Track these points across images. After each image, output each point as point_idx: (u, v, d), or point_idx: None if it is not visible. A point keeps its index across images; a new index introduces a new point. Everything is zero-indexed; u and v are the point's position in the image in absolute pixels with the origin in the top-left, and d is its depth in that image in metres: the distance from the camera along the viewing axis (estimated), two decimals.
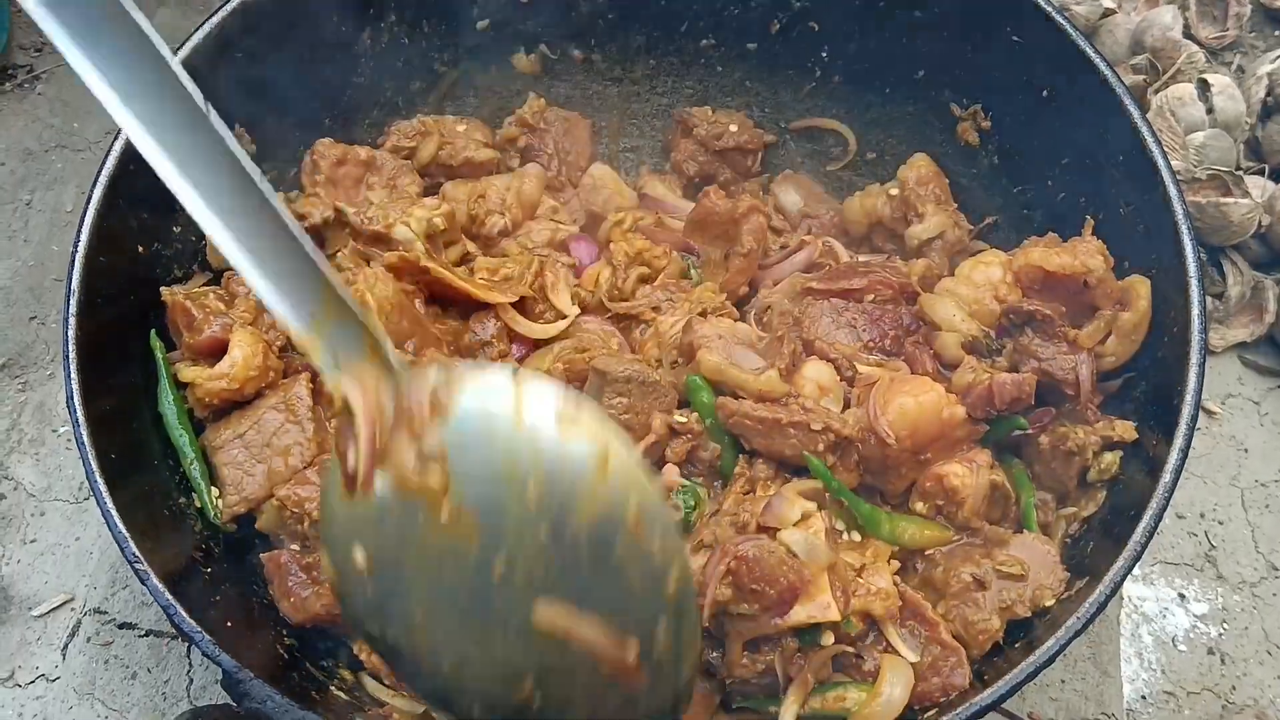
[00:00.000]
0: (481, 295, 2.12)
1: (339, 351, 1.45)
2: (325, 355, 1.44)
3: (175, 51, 2.08)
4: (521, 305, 2.16)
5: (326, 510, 1.54)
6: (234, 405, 2.06)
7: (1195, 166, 2.59)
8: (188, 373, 2.04)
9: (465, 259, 2.27)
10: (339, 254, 2.20)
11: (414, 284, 2.12)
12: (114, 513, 1.79)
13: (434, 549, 1.46)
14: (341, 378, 1.45)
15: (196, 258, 2.21)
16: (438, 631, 1.51)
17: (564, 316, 2.17)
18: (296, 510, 1.92)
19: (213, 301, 2.10)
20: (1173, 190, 1.97)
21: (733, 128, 2.53)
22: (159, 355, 2.08)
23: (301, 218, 2.21)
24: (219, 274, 2.22)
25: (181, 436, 2.05)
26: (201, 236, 2.22)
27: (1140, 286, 2.02)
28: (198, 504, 2.02)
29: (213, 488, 2.03)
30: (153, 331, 2.10)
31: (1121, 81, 2.07)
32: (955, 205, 2.39)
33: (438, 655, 1.53)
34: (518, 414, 1.45)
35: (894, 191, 2.40)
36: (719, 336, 2.05)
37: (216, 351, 2.05)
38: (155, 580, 1.75)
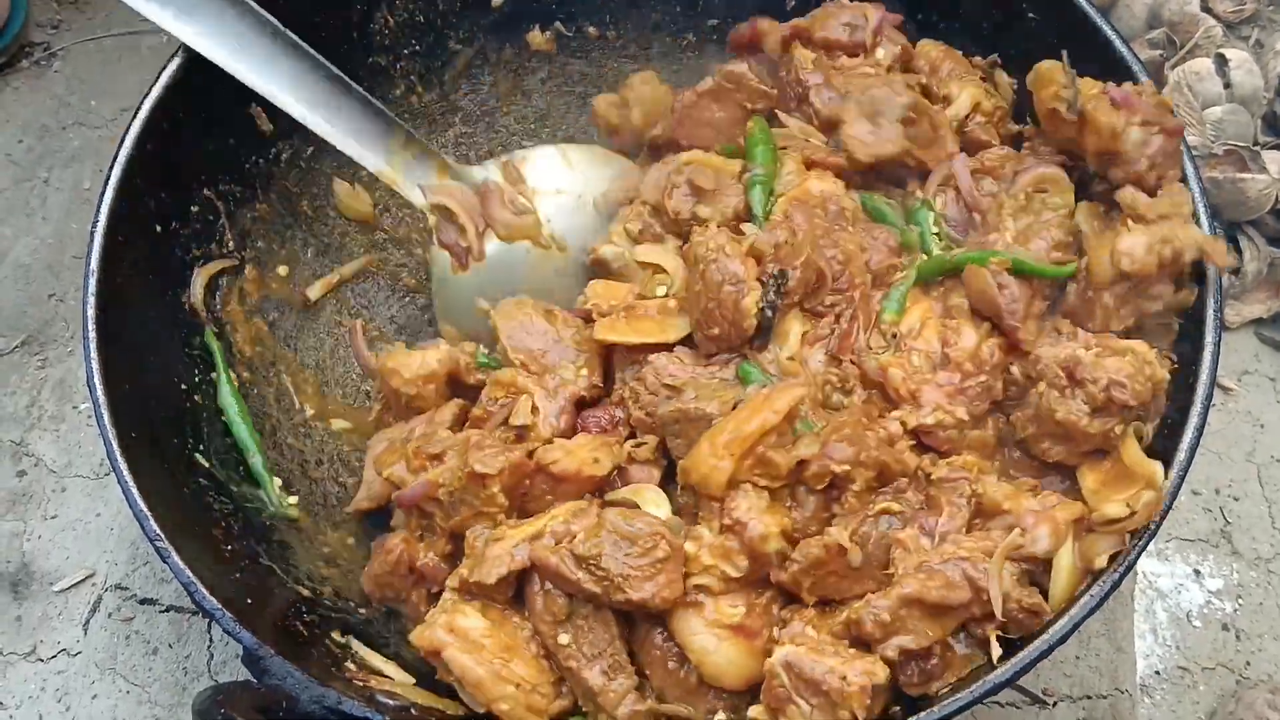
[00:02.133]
0: (662, 339, 2.07)
1: (419, 179, 2.25)
2: (408, 184, 2.24)
3: None
4: None
5: (442, 293, 2.32)
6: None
7: (1212, 142, 2.58)
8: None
9: None
10: None
11: None
12: (134, 490, 1.81)
13: (536, 273, 2.31)
14: (430, 195, 2.25)
15: (215, 236, 2.22)
16: None
17: None
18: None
19: None
20: (1189, 167, 1.97)
21: None
22: (217, 354, 2.18)
23: None
24: (243, 257, 2.26)
25: (242, 430, 2.16)
26: (219, 215, 2.23)
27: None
28: (251, 495, 2.13)
29: (275, 478, 2.16)
30: (208, 330, 2.18)
31: (1137, 58, 2.06)
32: (980, 74, 2.30)
33: None
34: (566, 161, 2.37)
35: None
36: None
37: None
38: (176, 558, 1.77)
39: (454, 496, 1.93)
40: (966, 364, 1.95)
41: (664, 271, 2.12)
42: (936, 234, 2.11)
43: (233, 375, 2.19)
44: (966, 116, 2.19)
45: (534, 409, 2.01)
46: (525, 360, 2.09)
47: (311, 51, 2.11)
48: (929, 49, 2.27)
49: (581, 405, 2.08)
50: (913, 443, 1.94)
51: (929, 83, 2.23)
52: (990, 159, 2.15)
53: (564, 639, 1.88)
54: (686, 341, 2.03)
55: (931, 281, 2.06)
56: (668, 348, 2.03)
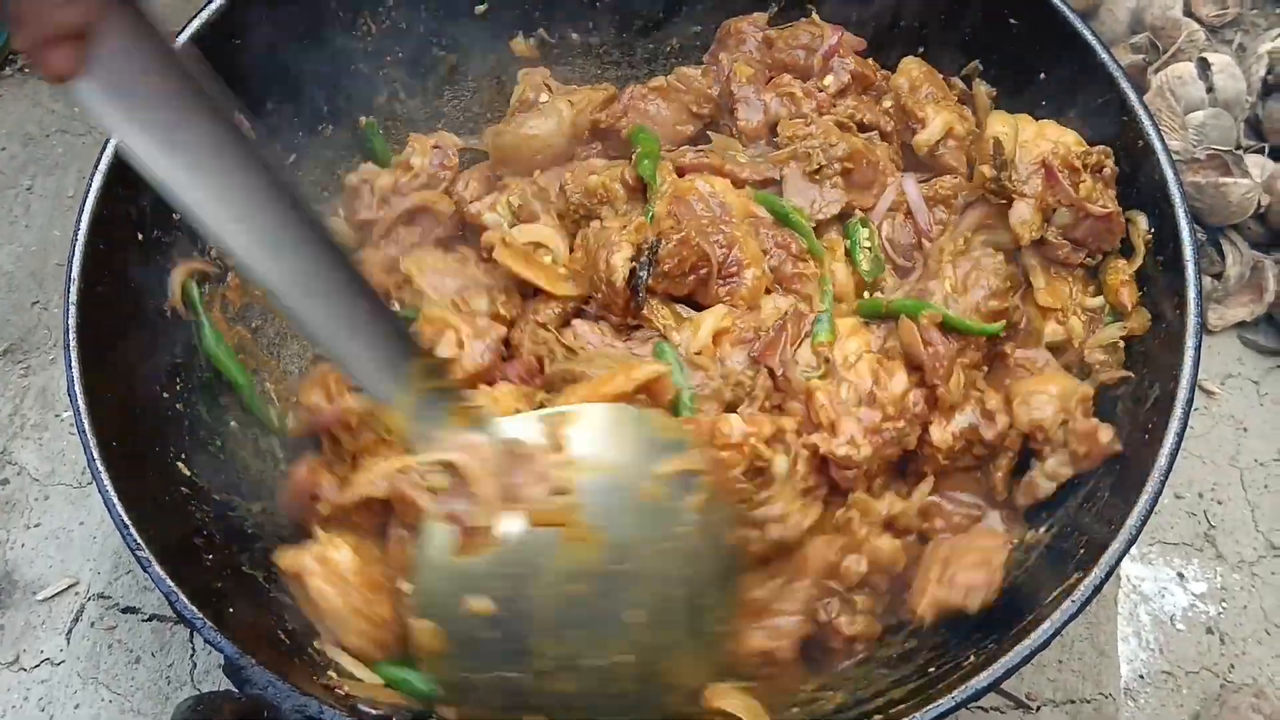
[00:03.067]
0: (550, 288, 2.13)
1: (431, 424, 1.70)
2: (416, 426, 1.69)
3: (175, 36, 2.09)
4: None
5: (428, 578, 1.72)
6: None
7: (1195, 146, 2.59)
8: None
9: None
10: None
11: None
12: (115, 499, 1.80)
13: (563, 571, 1.70)
14: (443, 447, 1.70)
15: (197, 244, 2.21)
16: (559, 648, 1.73)
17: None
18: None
19: None
20: (1169, 173, 1.98)
21: None
22: (196, 302, 2.17)
23: None
24: (226, 264, 2.25)
25: (231, 368, 2.19)
26: None
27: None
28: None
29: (271, 408, 2.24)
30: (187, 279, 2.17)
31: (1118, 64, 2.06)
32: (955, 98, 2.32)
33: (556, 674, 1.73)
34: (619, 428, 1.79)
35: (888, 104, 2.30)
36: None
37: None
38: (157, 567, 1.76)
39: (360, 422, 1.98)
40: (889, 407, 1.97)
41: (544, 246, 2.20)
42: (869, 248, 2.16)
43: (215, 319, 2.21)
44: (938, 142, 2.22)
45: (460, 344, 2.04)
46: (457, 301, 2.14)
47: (329, 230, 1.57)
48: (911, 67, 2.29)
49: (507, 345, 2.12)
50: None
51: (906, 101, 2.26)
52: (944, 187, 2.20)
53: (408, 587, 1.88)
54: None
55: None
56: (564, 299, 2.11)
